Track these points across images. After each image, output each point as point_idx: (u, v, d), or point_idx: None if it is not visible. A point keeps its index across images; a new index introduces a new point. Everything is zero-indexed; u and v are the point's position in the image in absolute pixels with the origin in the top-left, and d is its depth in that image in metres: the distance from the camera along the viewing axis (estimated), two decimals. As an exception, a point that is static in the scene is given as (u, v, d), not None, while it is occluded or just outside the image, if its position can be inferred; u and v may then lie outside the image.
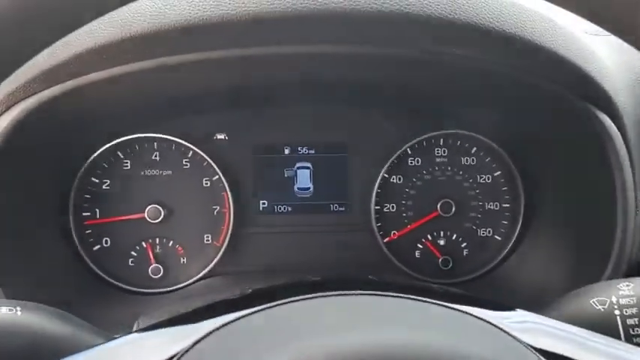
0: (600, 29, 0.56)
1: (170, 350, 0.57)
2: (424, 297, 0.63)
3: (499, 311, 0.65)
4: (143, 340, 0.64)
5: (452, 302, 0.63)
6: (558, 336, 0.61)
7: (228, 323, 0.58)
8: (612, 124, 1.11)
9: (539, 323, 0.63)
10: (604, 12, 0.52)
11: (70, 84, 1.05)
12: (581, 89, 1.10)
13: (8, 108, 1.07)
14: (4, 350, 0.70)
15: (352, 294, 0.62)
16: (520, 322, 0.61)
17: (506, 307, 0.67)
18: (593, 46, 1.11)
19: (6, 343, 0.70)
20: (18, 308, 0.74)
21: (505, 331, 0.58)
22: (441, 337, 0.53)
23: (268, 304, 0.60)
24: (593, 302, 0.79)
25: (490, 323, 0.59)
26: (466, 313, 0.60)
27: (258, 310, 0.59)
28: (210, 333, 0.58)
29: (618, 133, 1.12)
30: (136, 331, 0.67)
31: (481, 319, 0.59)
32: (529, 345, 0.57)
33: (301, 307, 0.59)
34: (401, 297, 0.61)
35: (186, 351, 0.56)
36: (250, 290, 0.73)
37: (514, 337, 0.57)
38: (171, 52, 1.01)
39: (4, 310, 0.73)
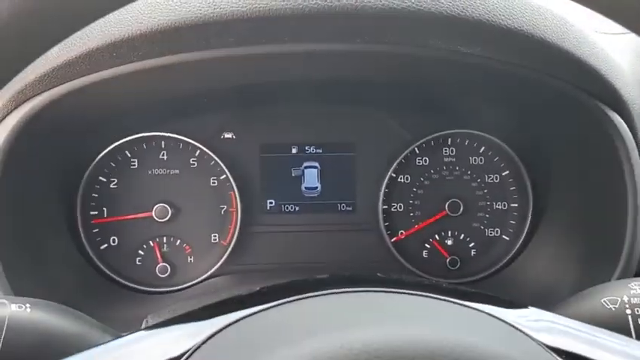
0: (619, 28, 0.55)
1: (180, 347, 0.56)
2: (434, 294, 0.62)
3: (512, 309, 0.64)
4: (153, 337, 0.64)
5: (463, 299, 0.62)
6: (574, 335, 0.60)
7: (240, 319, 0.58)
8: (622, 122, 1.11)
9: (554, 322, 0.62)
10: (625, 9, 0.51)
11: (78, 82, 1.05)
12: (592, 87, 1.09)
13: (18, 105, 1.07)
14: (14, 347, 0.70)
15: (365, 291, 0.61)
16: (535, 321, 0.61)
17: (519, 305, 0.66)
18: (604, 44, 1.10)
19: (15, 340, 0.71)
20: (27, 305, 0.74)
21: (519, 330, 0.57)
22: (454, 334, 0.52)
23: (280, 301, 0.59)
24: (604, 302, 0.78)
25: (504, 322, 0.58)
26: (480, 311, 0.60)
27: (271, 307, 0.59)
28: (222, 330, 0.57)
29: (629, 132, 1.11)
30: (144, 329, 0.67)
31: (495, 317, 0.59)
32: (544, 344, 0.56)
33: (317, 303, 0.58)
34: (414, 294, 0.60)
35: (198, 347, 0.56)
36: (258, 287, 0.73)
37: (528, 336, 0.57)
38: (181, 50, 1.01)
39: (14, 307, 0.73)
